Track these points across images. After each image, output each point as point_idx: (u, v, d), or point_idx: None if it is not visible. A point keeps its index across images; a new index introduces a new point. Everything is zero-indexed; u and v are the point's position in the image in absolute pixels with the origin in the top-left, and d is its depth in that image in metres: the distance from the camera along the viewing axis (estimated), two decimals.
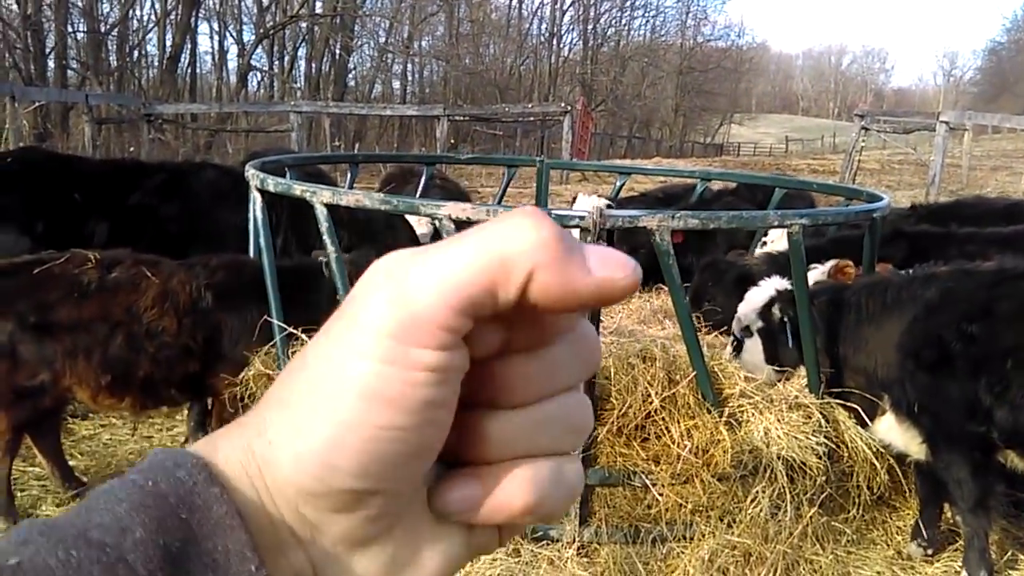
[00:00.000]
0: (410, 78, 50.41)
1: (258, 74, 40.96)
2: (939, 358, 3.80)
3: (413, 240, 5.59)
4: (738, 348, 4.47)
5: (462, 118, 23.06)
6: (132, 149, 21.48)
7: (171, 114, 21.14)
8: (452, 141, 34.52)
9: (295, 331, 4.38)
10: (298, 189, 4.14)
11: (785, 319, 4.16)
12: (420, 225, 6.45)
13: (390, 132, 40.32)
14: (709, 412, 3.84)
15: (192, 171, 5.95)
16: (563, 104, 22.41)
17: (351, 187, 6.57)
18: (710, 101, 73.84)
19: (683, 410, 3.83)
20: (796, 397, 4.08)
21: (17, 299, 4.26)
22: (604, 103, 57.75)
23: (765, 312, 4.34)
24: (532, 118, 25.95)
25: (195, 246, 5.11)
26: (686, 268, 4.69)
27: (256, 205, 4.55)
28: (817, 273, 4.64)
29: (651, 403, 3.78)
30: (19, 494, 4.61)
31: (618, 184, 7.12)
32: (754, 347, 4.39)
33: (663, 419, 3.79)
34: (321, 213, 4.03)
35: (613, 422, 3.79)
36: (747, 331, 4.43)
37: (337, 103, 26.25)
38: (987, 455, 3.86)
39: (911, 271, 4.21)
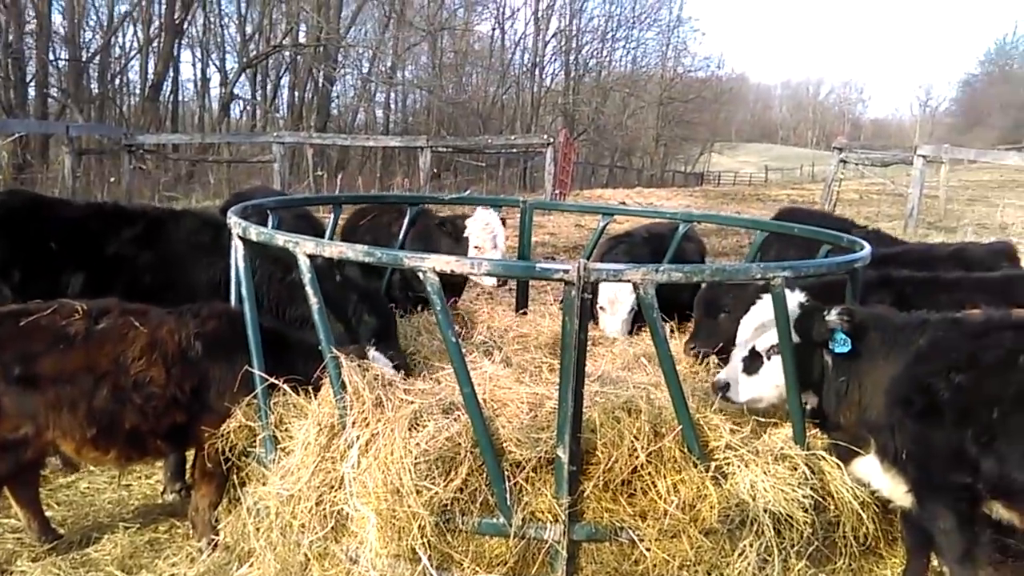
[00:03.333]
0: (393, 107, 50.64)
1: (241, 103, 41.05)
2: (927, 406, 3.80)
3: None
4: (753, 367, 4.25)
5: (445, 149, 23.09)
6: (113, 179, 21.37)
7: (152, 144, 21.07)
8: (435, 171, 34.65)
9: (276, 382, 4.33)
10: (280, 239, 4.11)
11: (841, 331, 3.99)
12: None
13: (373, 161, 40.40)
14: (695, 466, 3.82)
15: (171, 219, 5.88)
16: (545, 136, 22.53)
17: (334, 228, 6.56)
18: (690, 131, 74.63)
19: (669, 464, 3.80)
20: (781, 449, 4.07)
21: (2, 350, 4.19)
22: (586, 132, 58.18)
23: (799, 326, 4.10)
24: (515, 149, 26.04)
25: (170, 297, 5.02)
26: None
27: (238, 253, 4.51)
28: None
29: (637, 458, 3.75)
30: None
31: (601, 224, 7.13)
32: (774, 369, 4.16)
33: (649, 474, 3.76)
34: (304, 264, 4.00)
35: (599, 476, 3.76)
36: (775, 350, 4.14)
37: (320, 134, 26.28)
38: (973, 506, 3.85)
39: (909, 314, 4.21)
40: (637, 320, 6.57)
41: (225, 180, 25.50)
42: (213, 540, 4.54)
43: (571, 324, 3.60)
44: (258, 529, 4.23)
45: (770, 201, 33.47)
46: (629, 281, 3.64)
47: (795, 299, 4.16)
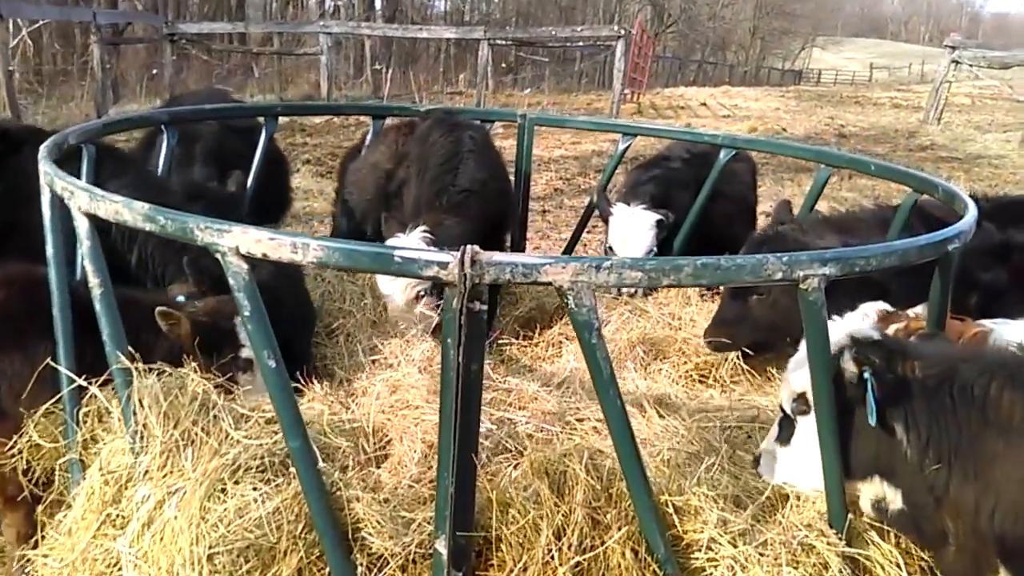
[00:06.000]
0: None
1: None
2: None
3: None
4: (785, 433, 2.78)
5: (505, 42, 21.13)
6: (155, 72, 20.32)
7: (194, 34, 19.78)
8: (504, 66, 32.50)
9: (87, 384, 3.04)
10: (59, 185, 2.75)
11: (870, 382, 2.40)
12: None
13: (445, 56, 38.32)
14: None
15: (31, 140, 4.51)
16: (615, 27, 20.28)
17: (266, 147, 5.12)
18: (791, 23, 69.52)
19: (614, 573, 2.39)
20: (804, 536, 2.59)
21: None
22: (675, 24, 54.48)
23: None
24: (581, 42, 23.85)
25: (11, 245, 3.78)
26: None
27: (44, 196, 3.16)
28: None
29: (556, 567, 2.34)
30: None
31: (620, 147, 5.52)
32: (812, 433, 2.58)
33: None
34: (82, 227, 2.64)
35: None
36: (802, 403, 2.65)
37: (370, 24, 24.57)
38: None
39: None
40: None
41: (276, 74, 24.25)
42: None
43: (452, 349, 2.17)
44: None
45: (869, 105, 30.48)
46: (550, 283, 2.15)
47: (856, 316, 2.63)
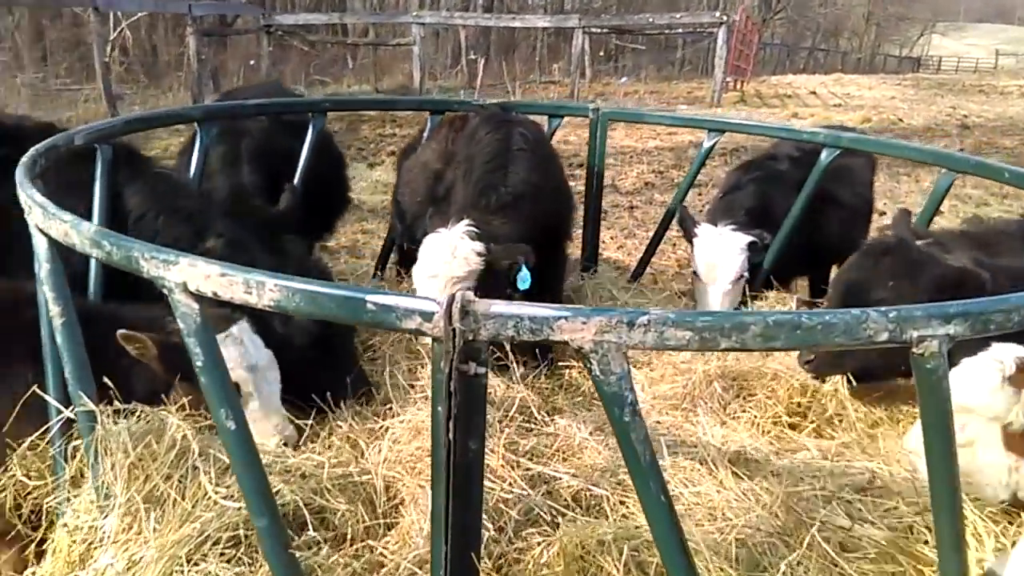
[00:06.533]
0: None
1: None
2: None
3: None
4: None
5: (601, 30, 20.45)
6: (253, 63, 20.53)
7: (290, 25, 19.86)
8: (603, 54, 31.73)
9: (74, 417, 2.69)
10: (23, 196, 2.39)
11: None
12: None
13: (539, 45, 37.70)
14: None
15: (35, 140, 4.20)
16: (717, 14, 19.32)
17: (313, 143, 4.72)
18: (908, 9, 65.99)
19: None
20: None
21: None
22: (784, 10, 52.36)
23: None
24: (681, 29, 22.93)
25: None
26: None
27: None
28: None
29: None
30: None
31: (706, 144, 4.91)
32: None
33: None
34: (40, 246, 2.27)
35: None
36: None
37: (462, 14, 24.19)
38: None
39: None
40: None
41: (372, 64, 24.20)
42: None
43: (441, 422, 1.69)
44: None
45: (995, 94, 28.38)
46: (565, 341, 1.64)
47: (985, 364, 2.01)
